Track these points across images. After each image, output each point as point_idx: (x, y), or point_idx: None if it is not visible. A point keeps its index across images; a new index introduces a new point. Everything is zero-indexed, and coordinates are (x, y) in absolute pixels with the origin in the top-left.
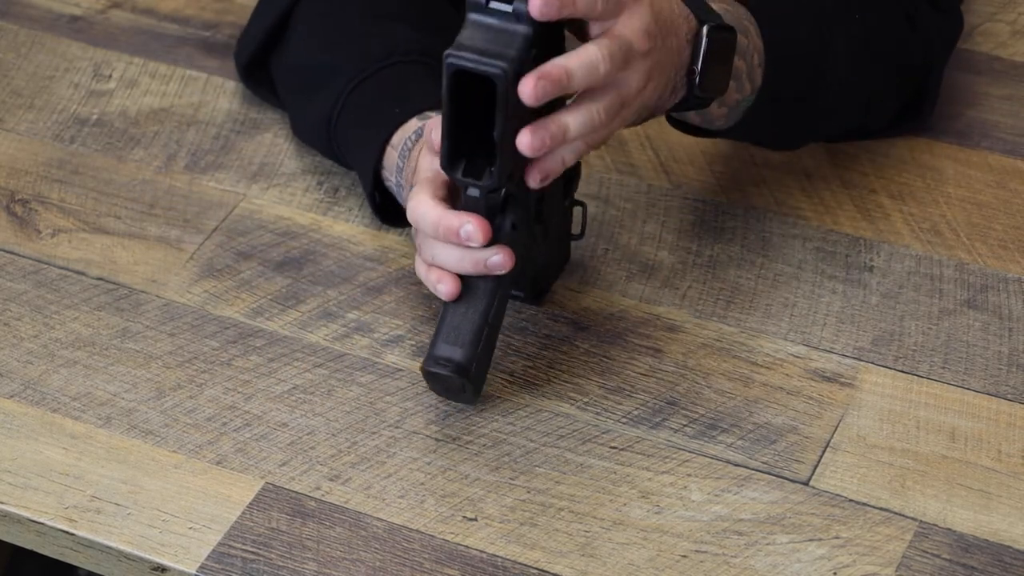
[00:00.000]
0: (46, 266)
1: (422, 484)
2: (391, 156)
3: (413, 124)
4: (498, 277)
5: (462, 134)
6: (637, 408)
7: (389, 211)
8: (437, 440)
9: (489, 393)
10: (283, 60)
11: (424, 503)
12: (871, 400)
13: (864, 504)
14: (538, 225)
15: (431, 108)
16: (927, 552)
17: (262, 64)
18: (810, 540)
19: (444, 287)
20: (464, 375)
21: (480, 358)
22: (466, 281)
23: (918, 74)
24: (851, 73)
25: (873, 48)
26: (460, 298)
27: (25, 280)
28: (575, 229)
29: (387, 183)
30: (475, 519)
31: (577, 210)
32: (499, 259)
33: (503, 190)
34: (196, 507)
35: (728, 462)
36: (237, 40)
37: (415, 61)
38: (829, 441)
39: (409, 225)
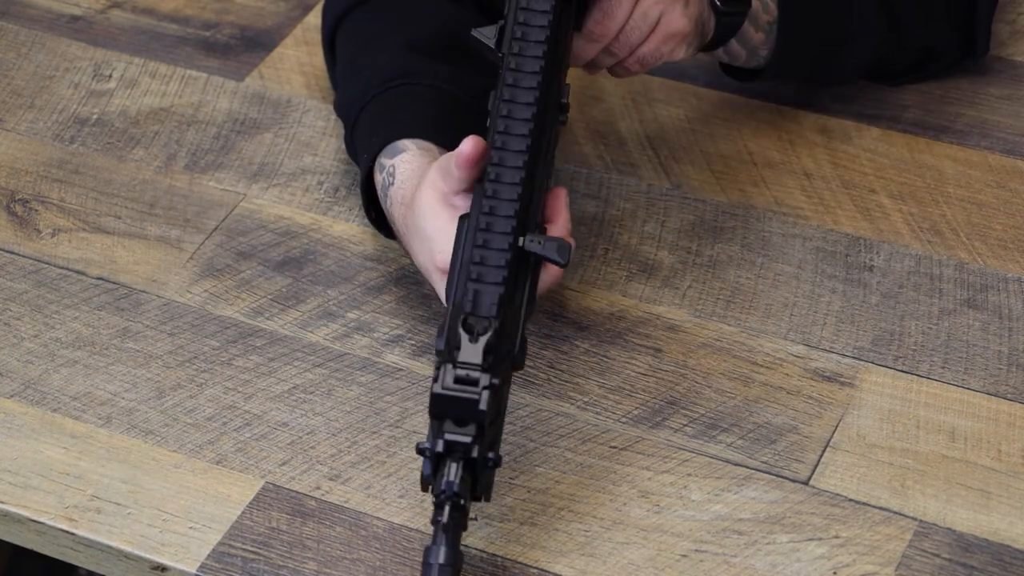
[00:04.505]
0: (46, 266)
1: None
2: (377, 176)
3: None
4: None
5: None
6: (637, 408)
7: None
8: None
9: None
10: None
11: (424, 503)
12: (871, 400)
13: (864, 504)
14: None
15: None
16: (927, 551)
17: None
18: (810, 540)
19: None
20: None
21: None
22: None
23: None
24: None
25: None
26: None
27: (25, 280)
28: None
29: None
30: (475, 519)
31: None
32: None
33: None
34: (196, 507)
35: (728, 462)
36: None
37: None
38: (829, 441)
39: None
